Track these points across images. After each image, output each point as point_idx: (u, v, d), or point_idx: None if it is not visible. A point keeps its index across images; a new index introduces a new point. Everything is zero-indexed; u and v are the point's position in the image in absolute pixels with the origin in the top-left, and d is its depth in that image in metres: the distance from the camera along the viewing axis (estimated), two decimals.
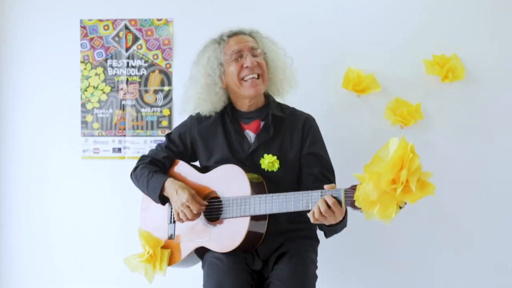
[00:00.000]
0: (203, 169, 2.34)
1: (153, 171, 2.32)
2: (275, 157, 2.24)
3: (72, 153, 2.94)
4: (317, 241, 2.36)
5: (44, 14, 2.95)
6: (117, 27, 2.93)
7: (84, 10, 2.93)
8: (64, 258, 2.94)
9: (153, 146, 2.63)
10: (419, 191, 1.72)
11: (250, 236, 2.11)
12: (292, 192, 2.04)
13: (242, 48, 2.27)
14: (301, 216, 2.27)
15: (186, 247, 2.28)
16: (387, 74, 2.80)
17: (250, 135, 2.32)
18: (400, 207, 1.77)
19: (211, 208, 2.23)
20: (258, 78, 2.26)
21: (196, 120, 2.39)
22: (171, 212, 2.33)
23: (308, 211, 1.98)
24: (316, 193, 1.97)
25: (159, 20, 2.92)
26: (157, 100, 2.93)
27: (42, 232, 2.95)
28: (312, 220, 1.96)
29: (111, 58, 2.94)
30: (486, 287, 2.79)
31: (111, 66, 2.94)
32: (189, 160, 2.41)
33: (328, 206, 1.91)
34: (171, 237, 2.33)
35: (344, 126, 2.82)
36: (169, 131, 2.64)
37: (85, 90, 2.95)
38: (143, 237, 2.34)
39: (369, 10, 2.82)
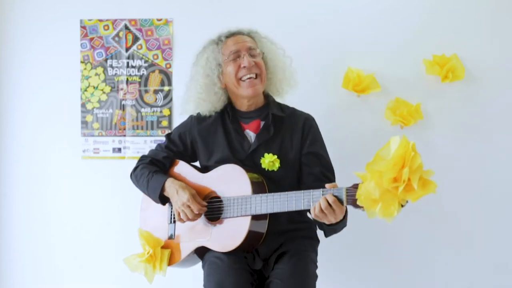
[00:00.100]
0: (203, 169, 2.34)
1: (153, 171, 2.32)
2: (275, 157, 2.24)
3: (72, 153, 2.94)
4: (317, 241, 2.37)
5: (44, 14, 2.95)
6: (117, 27, 2.93)
7: (84, 10, 2.93)
8: (64, 258, 2.94)
9: (153, 146, 2.63)
10: (421, 189, 1.73)
11: (251, 236, 2.12)
12: (294, 191, 2.04)
13: (240, 49, 2.27)
14: (301, 216, 2.29)
15: (186, 247, 2.28)
16: (387, 74, 2.80)
17: (250, 134, 2.32)
18: (402, 205, 1.78)
19: (212, 208, 2.23)
20: (256, 78, 2.26)
21: (196, 120, 2.39)
22: (171, 212, 2.33)
23: (309, 210, 1.98)
24: (317, 192, 1.97)
25: (159, 20, 2.92)
26: (157, 100, 2.93)
27: (42, 232, 2.95)
28: (312, 216, 1.96)
29: (111, 58, 2.94)
30: (486, 287, 2.79)
31: (111, 66, 2.94)
32: (189, 160, 2.41)
33: (329, 204, 1.92)
34: (171, 237, 2.33)
35: (344, 126, 2.82)
36: (169, 131, 2.64)
37: (85, 90, 2.95)
38: (143, 237, 2.33)
39: (369, 10, 2.83)
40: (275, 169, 2.24)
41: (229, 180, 2.20)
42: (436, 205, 2.71)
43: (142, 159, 2.42)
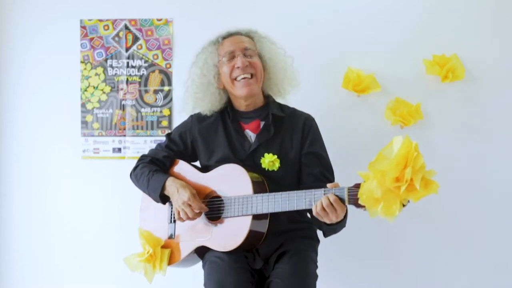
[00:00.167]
0: (204, 169, 2.34)
1: (153, 170, 2.32)
2: (276, 157, 2.24)
3: (72, 153, 2.94)
4: (317, 241, 2.37)
5: (44, 14, 2.95)
6: (117, 27, 2.93)
7: (84, 10, 2.93)
8: (64, 258, 2.94)
9: (153, 146, 2.63)
10: (423, 189, 1.74)
11: (252, 235, 2.12)
12: (295, 191, 2.05)
13: (234, 49, 2.29)
14: (301, 216, 2.30)
15: (186, 247, 2.28)
16: (387, 74, 2.80)
17: (250, 134, 2.32)
18: (404, 205, 1.79)
19: (212, 207, 2.23)
20: (251, 78, 2.27)
21: (197, 119, 2.40)
22: (171, 211, 2.33)
23: (311, 210, 1.99)
24: (319, 192, 1.98)
25: (159, 20, 2.92)
26: (157, 100, 2.93)
27: (42, 232, 2.95)
28: (314, 214, 1.97)
29: (111, 58, 2.94)
30: (486, 287, 2.79)
31: (111, 66, 2.94)
32: (189, 160, 2.42)
33: (331, 203, 1.92)
34: (171, 237, 2.33)
35: (344, 126, 2.82)
36: (169, 131, 2.64)
37: (85, 90, 2.95)
38: (143, 237, 2.33)
39: (369, 10, 2.83)
40: (275, 169, 2.24)
41: (230, 180, 2.20)
42: (436, 205, 2.72)
43: (142, 158, 2.42)
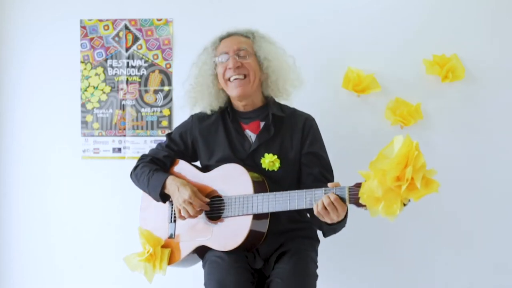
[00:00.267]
0: (204, 169, 2.35)
1: (153, 170, 2.32)
2: (275, 157, 2.24)
3: (72, 153, 2.94)
4: (317, 241, 2.37)
5: (44, 14, 2.95)
6: (117, 27, 2.93)
7: (84, 10, 2.93)
8: (64, 258, 2.94)
9: (153, 146, 2.63)
10: (424, 188, 1.74)
11: (252, 235, 2.12)
12: (296, 190, 2.05)
13: (228, 50, 2.30)
14: (301, 216, 2.30)
15: (187, 246, 2.28)
16: (387, 74, 2.80)
17: (250, 134, 2.32)
18: (404, 204, 1.79)
19: (213, 207, 2.23)
20: (244, 78, 2.28)
21: (197, 119, 2.40)
22: (172, 211, 2.33)
23: (311, 209, 1.99)
24: (320, 191, 1.98)
25: (159, 20, 2.92)
26: (157, 100, 2.93)
27: (42, 232, 2.95)
28: (315, 213, 1.97)
29: (111, 58, 2.94)
30: (486, 287, 2.79)
31: (111, 66, 2.94)
32: (189, 160, 2.42)
33: (332, 202, 1.93)
34: (171, 237, 2.33)
35: (344, 126, 2.82)
36: (169, 131, 2.65)
37: (85, 90, 2.95)
38: (143, 236, 2.33)
39: (369, 10, 2.83)
40: (275, 169, 2.24)
41: (231, 179, 2.21)
42: (436, 205, 2.72)
43: (143, 158, 2.42)
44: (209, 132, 2.36)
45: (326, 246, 2.43)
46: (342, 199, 1.93)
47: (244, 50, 2.30)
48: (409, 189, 1.74)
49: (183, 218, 2.22)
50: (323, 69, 2.83)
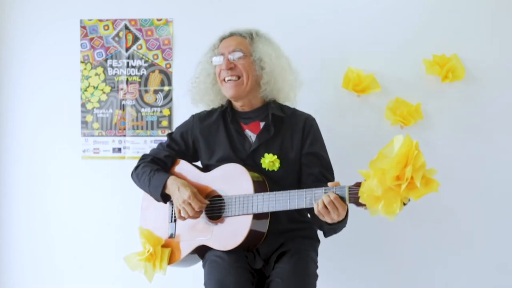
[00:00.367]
0: (205, 168, 2.35)
1: (154, 170, 2.33)
2: (276, 157, 2.24)
3: (72, 153, 2.94)
4: (317, 241, 2.37)
5: (44, 14, 2.95)
6: (117, 27, 2.94)
7: (84, 10, 2.93)
8: (64, 258, 2.94)
9: (153, 146, 2.63)
10: (424, 187, 1.74)
11: (252, 235, 2.12)
12: (296, 190, 2.05)
13: (224, 51, 2.32)
14: (302, 215, 2.30)
15: (187, 246, 2.28)
16: (387, 74, 2.80)
17: (250, 134, 2.33)
18: (404, 204, 1.80)
19: (213, 207, 2.23)
20: (238, 79, 2.29)
21: (198, 119, 2.41)
22: (172, 211, 2.34)
23: (312, 208, 1.99)
24: (320, 191, 1.98)
25: (159, 20, 2.92)
26: (157, 100, 2.93)
27: (42, 232, 2.95)
28: (315, 212, 1.97)
29: (111, 58, 2.94)
30: (486, 287, 2.79)
31: (111, 66, 2.94)
32: (190, 160, 2.42)
33: (332, 201, 1.93)
34: (171, 236, 2.33)
35: (344, 126, 2.82)
36: (169, 131, 2.66)
37: (85, 90, 2.95)
38: (144, 235, 2.33)
39: (369, 10, 2.83)
40: (275, 169, 2.24)
41: (231, 179, 2.21)
42: (436, 205, 2.71)
43: (144, 157, 2.42)
44: (210, 132, 2.36)
45: (326, 246, 2.43)
46: (342, 198, 1.93)
47: (239, 51, 2.31)
48: (408, 188, 1.74)
49: (182, 218, 2.22)
50: (323, 69, 2.83)
